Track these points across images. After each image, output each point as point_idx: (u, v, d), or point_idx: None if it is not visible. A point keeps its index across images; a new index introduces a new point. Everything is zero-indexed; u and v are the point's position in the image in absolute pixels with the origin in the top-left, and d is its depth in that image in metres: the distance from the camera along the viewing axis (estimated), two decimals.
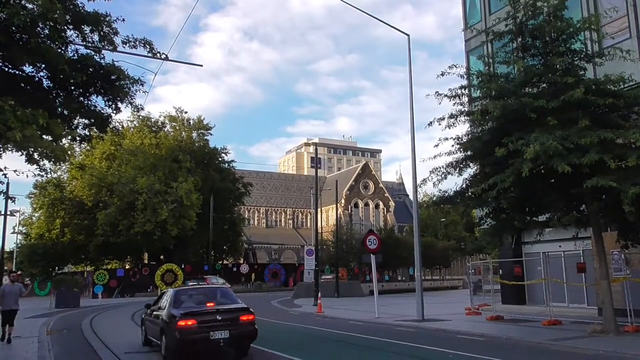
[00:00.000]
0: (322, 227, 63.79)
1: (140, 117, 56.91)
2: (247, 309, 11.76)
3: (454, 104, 15.29)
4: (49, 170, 14.59)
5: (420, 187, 17.58)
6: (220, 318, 11.17)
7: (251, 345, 11.89)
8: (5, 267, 53.46)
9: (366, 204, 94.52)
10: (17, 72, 12.30)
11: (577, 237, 16.86)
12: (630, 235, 14.90)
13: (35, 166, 12.09)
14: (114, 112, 13.87)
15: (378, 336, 15.19)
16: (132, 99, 13.77)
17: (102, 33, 12.71)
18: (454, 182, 16.32)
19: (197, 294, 12.56)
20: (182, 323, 10.79)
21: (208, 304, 11.86)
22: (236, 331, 11.12)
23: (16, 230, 55.94)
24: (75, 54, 12.86)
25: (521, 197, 14.59)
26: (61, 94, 12.98)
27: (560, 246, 21.14)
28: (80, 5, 12.35)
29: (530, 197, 14.66)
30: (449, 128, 15.29)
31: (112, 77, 12.98)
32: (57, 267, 54.85)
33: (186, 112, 59.91)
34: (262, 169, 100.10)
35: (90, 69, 12.68)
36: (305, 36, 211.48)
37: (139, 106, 14.63)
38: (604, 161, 11.78)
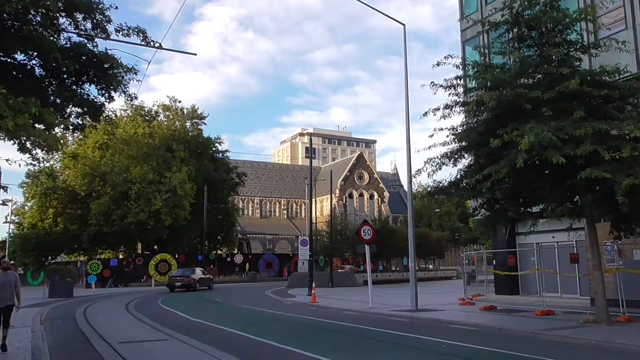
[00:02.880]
0: (316, 218, 63.85)
1: (134, 106, 56.41)
2: (190, 276, 37.78)
3: (449, 94, 15.31)
4: (42, 160, 14.42)
5: (414, 177, 17.67)
6: (179, 278, 37.75)
7: (244, 335, 13.48)
8: None
9: (361, 195, 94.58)
10: (8, 60, 12.20)
11: (571, 228, 16.97)
12: (623, 226, 15.01)
13: (27, 155, 12.05)
14: (107, 100, 13.78)
15: (372, 326, 15.28)
16: (125, 87, 13.67)
17: (95, 21, 12.60)
18: (448, 173, 16.53)
19: (182, 270, 41.40)
20: (169, 280, 38.52)
21: (182, 274, 38.93)
22: (186, 282, 36.98)
23: (9, 220, 55.77)
24: (68, 42, 12.74)
25: (515, 188, 14.65)
26: (54, 82, 12.88)
27: (553, 237, 21.28)
28: None
29: (525, 188, 14.71)
30: (444, 119, 15.31)
31: (105, 66, 12.88)
32: (50, 257, 54.67)
33: (180, 102, 59.60)
34: (256, 159, 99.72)
35: (83, 57, 12.57)
36: (300, 26, 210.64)
37: (133, 95, 14.56)
38: (598, 152, 11.83)
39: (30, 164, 13.27)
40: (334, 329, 15.26)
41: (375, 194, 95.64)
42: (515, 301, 21.27)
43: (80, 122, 14.24)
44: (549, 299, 18.24)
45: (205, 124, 60.97)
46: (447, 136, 15.46)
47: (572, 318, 15.34)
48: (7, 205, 52.18)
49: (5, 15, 10.80)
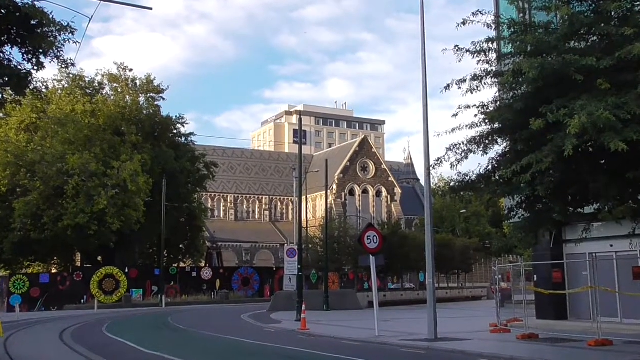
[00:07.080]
0: (307, 221, 63.97)
1: (71, 75, 56.42)
2: None
3: (479, 62, 15.27)
4: None
5: (434, 169, 17.60)
6: None
7: None
8: None
9: (365, 191, 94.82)
10: None
11: (634, 234, 17.07)
12: None
13: None
14: (35, 68, 13.69)
15: None
16: (59, 51, 13.59)
17: None
18: (477, 163, 16.40)
19: None
20: None
21: None
22: None
23: None
24: None
25: (563, 183, 14.69)
26: None
27: (611, 246, 21.39)
28: None
29: (575, 182, 14.76)
30: (472, 93, 15.29)
31: (32, 23, 12.79)
32: None
33: (131, 70, 59.48)
34: (230, 145, 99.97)
35: (3, 11, 12.48)
36: None
37: (69, 61, 14.46)
38: None
39: None
40: None
41: (384, 190, 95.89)
42: (562, 328, 21.39)
43: (0, 96, 14.16)
44: (606, 325, 18.34)
45: (164, 99, 61.22)
46: (476, 116, 15.49)
47: (635, 350, 15.46)
48: None
49: None
